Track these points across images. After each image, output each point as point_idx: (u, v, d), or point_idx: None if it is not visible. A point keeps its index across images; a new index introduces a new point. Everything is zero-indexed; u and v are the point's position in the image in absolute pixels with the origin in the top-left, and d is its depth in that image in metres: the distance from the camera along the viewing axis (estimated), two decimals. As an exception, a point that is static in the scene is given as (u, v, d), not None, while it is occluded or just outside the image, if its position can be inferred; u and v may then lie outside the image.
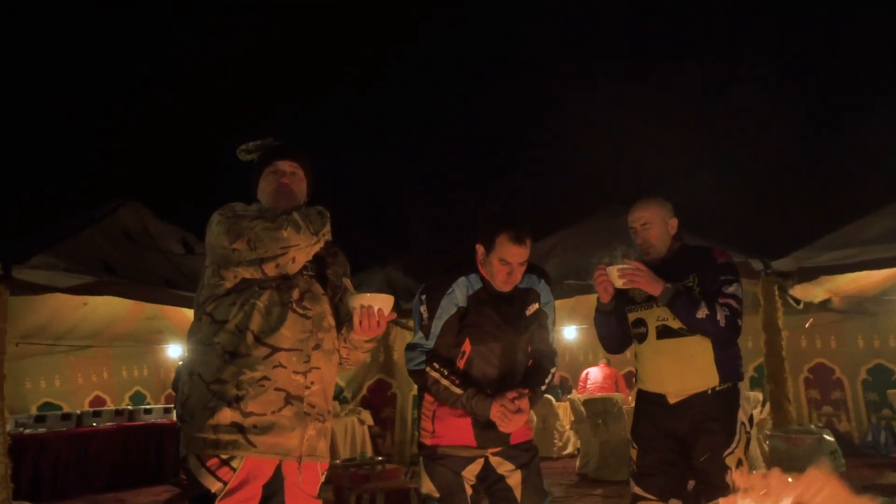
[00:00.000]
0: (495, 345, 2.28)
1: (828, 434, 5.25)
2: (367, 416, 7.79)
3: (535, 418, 8.45)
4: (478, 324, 2.27)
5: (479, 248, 2.30)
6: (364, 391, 8.56)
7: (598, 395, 7.52)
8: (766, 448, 5.32)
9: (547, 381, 2.35)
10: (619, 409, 6.49)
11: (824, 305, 7.16)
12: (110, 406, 8.30)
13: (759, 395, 6.11)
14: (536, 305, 2.36)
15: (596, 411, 6.77)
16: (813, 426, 5.97)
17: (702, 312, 2.42)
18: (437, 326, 2.26)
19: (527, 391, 2.22)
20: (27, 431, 6.78)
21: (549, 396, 8.65)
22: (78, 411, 7.50)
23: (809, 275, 5.74)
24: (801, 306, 6.42)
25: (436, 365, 2.23)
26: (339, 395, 8.52)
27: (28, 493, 6.37)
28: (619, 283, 2.49)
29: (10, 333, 7.24)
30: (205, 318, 2.02)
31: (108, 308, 7.39)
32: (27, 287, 4.98)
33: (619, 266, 2.48)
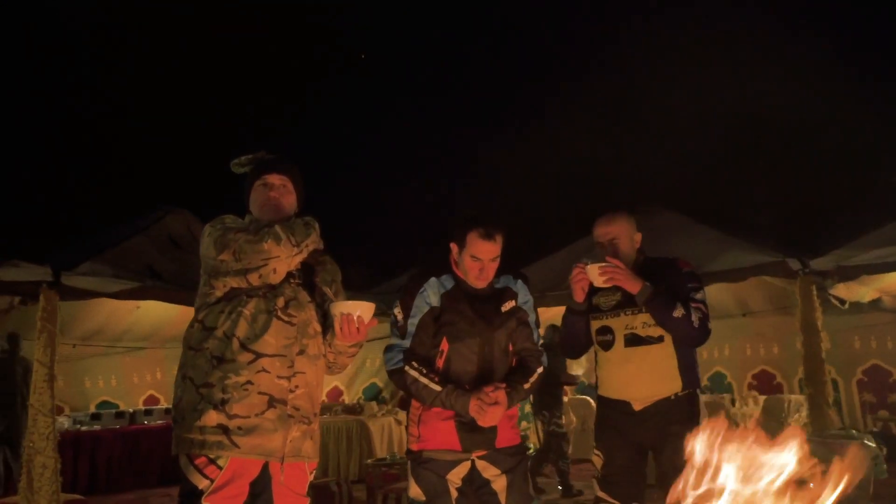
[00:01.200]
0: (472, 342, 2.32)
1: (869, 439, 5.03)
2: (403, 417, 7.90)
3: (576, 421, 8.38)
4: (453, 322, 2.33)
5: (454, 247, 2.38)
6: (402, 392, 8.66)
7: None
8: (805, 453, 5.15)
9: (532, 379, 2.38)
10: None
11: (875, 305, 6.87)
12: (163, 405, 8.67)
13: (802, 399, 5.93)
14: (513, 302, 2.41)
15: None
16: (855, 431, 5.74)
17: (678, 312, 2.49)
18: (412, 325, 2.33)
19: (503, 385, 2.26)
20: (84, 428, 7.18)
21: (588, 398, 8.57)
22: (131, 410, 7.88)
23: (850, 274, 5.52)
24: (847, 306, 6.18)
25: (414, 364, 2.29)
26: (377, 396, 8.68)
27: (85, 486, 6.76)
28: (600, 281, 2.53)
29: (69, 336, 7.71)
30: (197, 324, 2.15)
31: (159, 311, 7.71)
32: (76, 293, 5.25)
33: (601, 264, 2.51)
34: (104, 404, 8.52)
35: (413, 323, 2.33)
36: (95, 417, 7.45)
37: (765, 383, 8.73)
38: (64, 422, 7.18)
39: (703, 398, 6.38)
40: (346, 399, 9.17)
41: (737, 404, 7.00)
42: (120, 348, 8.49)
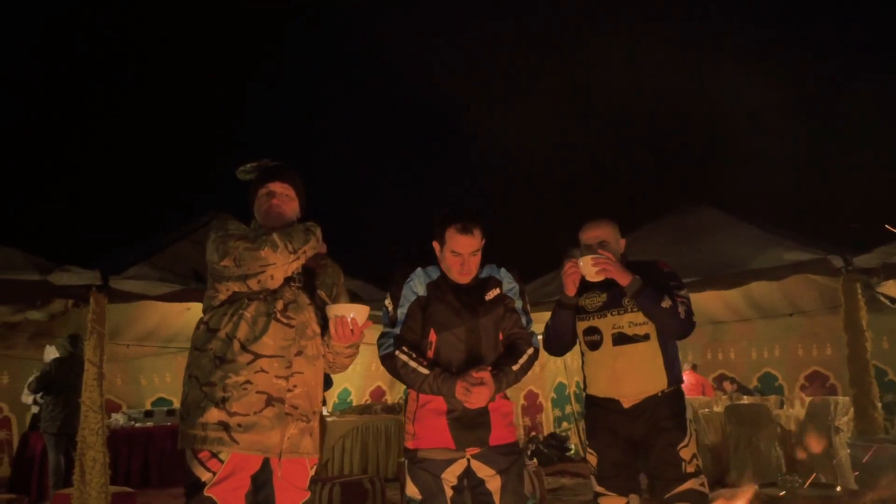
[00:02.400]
0: (458, 330, 2.37)
1: (917, 444, 4.80)
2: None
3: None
4: (439, 311, 2.38)
5: (436, 245, 2.44)
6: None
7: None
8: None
9: (521, 361, 2.40)
10: (693, 412, 6.25)
11: (930, 303, 6.52)
12: (215, 401, 8.98)
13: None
14: (497, 290, 2.45)
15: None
16: (903, 435, 5.49)
17: (666, 303, 2.57)
18: (401, 314, 2.40)
19: (488, 367, 2.30)
20: (137, 425, 7.52)
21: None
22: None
23: (896, 271, 5.29)
24: (897, 305, 5.90)
25: (404, 348, 2.34)
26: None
27: (138, 480, 7.08)
28: (592, 273, 2.59)
29: (125, 337, 8.12)
30: (202, 326, 2.27)
31: (208, 313, 8.01)
32: (123, 295, 5.52)
33: (594, 256, 2.58)
34: (160, 401, 8.91)
35: (402, 312, 2.40)
36: (148, 415, 7.79)
37: (818, 385, 8.41)
38: (119, 418, 7.54)
39: (746, 399, 6.21)
40: (389, 399, 9.31)
41: (784, 406, 6.78)
42: (173, 348, 8.87)
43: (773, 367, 8.83)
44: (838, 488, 3.05)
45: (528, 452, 7.96)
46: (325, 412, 8.47)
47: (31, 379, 6.79)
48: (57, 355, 6.76)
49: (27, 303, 6.03)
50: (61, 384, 6.43)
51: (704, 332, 9.27)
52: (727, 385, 8.08)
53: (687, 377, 8.21)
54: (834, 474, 5.49)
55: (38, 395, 6.63)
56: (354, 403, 9.21)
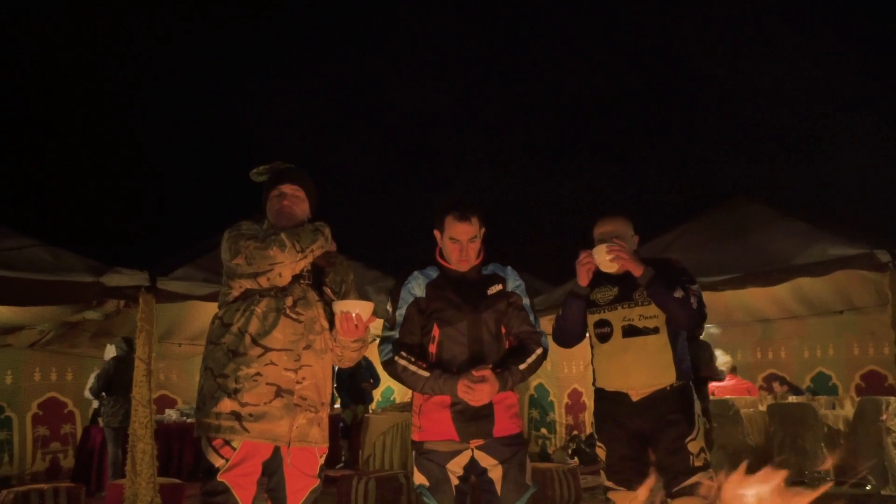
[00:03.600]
0: (460, 324, 2.42)
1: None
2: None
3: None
4: (440, 308, 2.44)
5: (437, 233, 2.51)
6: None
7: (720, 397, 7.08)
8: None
9: (529, 360, 2.44)
10: (735, 411, 6.13)
11: None
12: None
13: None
14: (500, 286, 2.49)
15: (713, 413, 6.42)
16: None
17: (678, 293, 2.59)
18: (399, 315, 2.47)
19: (489, 365, 2.35)
20: (188, 420, 7.82)
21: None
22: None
23: (947, 265, 5.04)
24: (950, 300, 5.61)
25: (403, 353, 2.41)
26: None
27: (189, 472, 7.36)
28: (606, 261, 2.62)
29: (179, 336, 8.48)
30: (217, 321, 2.39)
31: (256, 312, 8.28)
32: (170, 296, 5.78)
33: (608, 244, 2.61)
34: (212, 398, 9.24)
35: (400, 314, 2.47)
36: (200, 410, 8.10)
37: (875, 385, 8.08)
38: (172, 414, 7.87)
39: (792, 398, 6.07)
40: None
41: (835, 407, 6.54)
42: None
43: (826, 366, 8.53)
44: (868, 486, 2.95)
45: (569, 451, 7.93)
46: (370, 410, 8.64)
47: (90, 381, 7.16)
48: (115, 354, 7.11)
49: (83, 303, 6.40)
50: (121, 381, 6.76)
51: (754, 331, 9.02)
52: (777, 386, 7.82)
53: (729, 382, 7.96)
54: (885, 476, 5.29)
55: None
56: (398, 402, 9.35)
